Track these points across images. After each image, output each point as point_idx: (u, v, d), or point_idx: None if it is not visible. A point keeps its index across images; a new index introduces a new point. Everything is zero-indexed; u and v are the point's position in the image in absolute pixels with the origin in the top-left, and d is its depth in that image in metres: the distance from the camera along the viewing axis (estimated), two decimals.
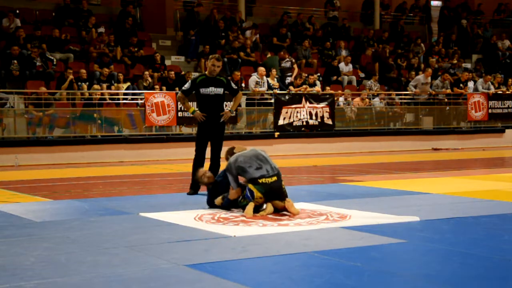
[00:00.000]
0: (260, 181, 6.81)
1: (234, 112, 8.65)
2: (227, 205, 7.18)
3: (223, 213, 6.86)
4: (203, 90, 8.67)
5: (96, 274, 4.45)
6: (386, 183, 9.96)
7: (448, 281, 4.26)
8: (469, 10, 26.59)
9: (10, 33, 17.37)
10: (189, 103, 9.22)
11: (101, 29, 18.71)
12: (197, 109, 8.81)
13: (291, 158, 15.67)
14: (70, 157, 14.80)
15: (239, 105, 16.87)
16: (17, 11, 18.58)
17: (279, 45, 20.67)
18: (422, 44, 23.13)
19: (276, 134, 16.96)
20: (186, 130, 16.42)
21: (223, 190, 7.31)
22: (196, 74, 19.03)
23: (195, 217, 6.70)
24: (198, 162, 8.63)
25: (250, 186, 6.83)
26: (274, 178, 6.90)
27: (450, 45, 24.12)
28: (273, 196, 6.91)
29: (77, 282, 4.26)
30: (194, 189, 8.67)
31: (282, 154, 16.58)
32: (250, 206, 6.77)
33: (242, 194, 7.04)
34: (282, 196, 6.94)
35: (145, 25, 21.01)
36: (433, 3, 28.18)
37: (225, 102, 9.19)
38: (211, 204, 7.34)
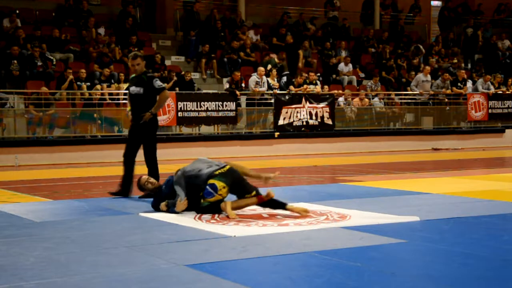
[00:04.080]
0: (216, 173, 6.76)
1: (154, 113, 8.33)
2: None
3: (222, 213, 6.85)
4: (129, 90, 8.55)
5: (96, 274, 4.45)
6: (386, 183, 9.96)
7: (448, 281, 4.26)
8: (469, 10, 26.57)
9: (10, 33, 17.36)
10: (128, 102, 8.87)
11: (101, 29, 18.70)
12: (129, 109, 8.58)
13: (291, 158, 15.67)
14: (70, 157, 14.79)
15: (239, 105, 16.87)
16: (17, 11, 18.56)
17: (279, 45, 20.65)
18: (420, 46, 23.07)
19: (276, 134, 16.96)
20: (186, 130, 16.38)
21: (167, 196, 7.09)
22: (197, 74, 19.12)
23: (194, 217, 6.70)
24: (126, 163, 8.48)
25: (210, 181, 6.71)
26: (228, 167, 6.85)
27: (449, 45, 24.10)
28: (237, 186, 6.79)
29: (77, 282, 4.25)
30: (124, 192, 8.39)
31: (282, 154, 16.59)
32: (228, 206, 6.65)
33: (204, 199, 6.78)
34: (247, 187, 6.82)
35: (145, 25, 21.00)
36: (433, 3, 28.17)
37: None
38: (156, 208, 7.12)
